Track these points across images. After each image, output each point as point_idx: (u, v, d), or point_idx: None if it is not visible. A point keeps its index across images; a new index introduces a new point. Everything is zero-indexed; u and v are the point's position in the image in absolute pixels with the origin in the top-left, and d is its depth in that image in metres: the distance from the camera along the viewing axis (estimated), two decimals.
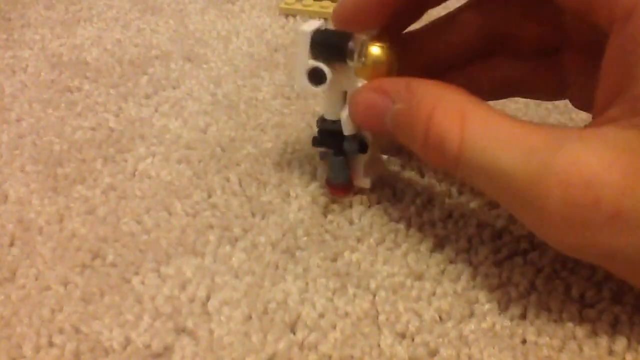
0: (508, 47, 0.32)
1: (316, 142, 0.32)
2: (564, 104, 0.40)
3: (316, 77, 0.29)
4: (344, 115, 0.30)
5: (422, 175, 0.34)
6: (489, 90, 0.33)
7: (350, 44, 0.28)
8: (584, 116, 0.38)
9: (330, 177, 0.32)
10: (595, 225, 0.22)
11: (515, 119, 0.24)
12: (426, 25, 0.33)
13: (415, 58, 0.32)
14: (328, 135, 0.31)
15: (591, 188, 0.21)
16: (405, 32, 0.33)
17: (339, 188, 0.32)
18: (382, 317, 0.27)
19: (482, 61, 0.33)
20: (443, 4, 0.32)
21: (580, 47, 0.29)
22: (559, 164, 0.22)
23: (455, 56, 0.33)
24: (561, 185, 0.22)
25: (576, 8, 0.26)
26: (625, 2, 0.23)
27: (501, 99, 0.35)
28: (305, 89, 0.30)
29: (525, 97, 0.35)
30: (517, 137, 0.23)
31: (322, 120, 0.32)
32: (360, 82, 0.29)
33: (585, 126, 0.25)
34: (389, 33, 0.30)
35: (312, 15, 0.51)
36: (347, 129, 0.30)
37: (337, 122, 0.31)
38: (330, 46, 0.29)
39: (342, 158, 0.32)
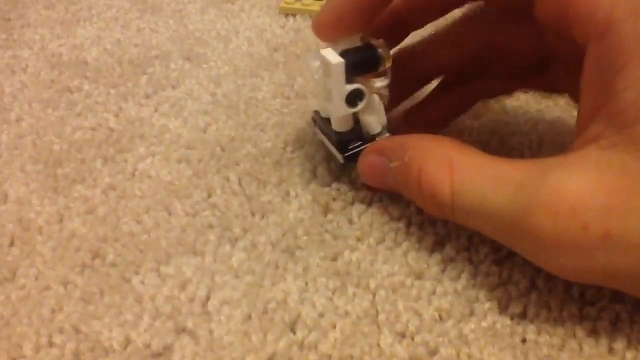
0: (497, 61, 0.33)
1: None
2: (565, 100, 0.40)
3: (356, 98, 0.30)
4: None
5: None
6: (478, 99, 0.34)
7: (380, 52, 0.29)
8: None
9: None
10: (588, 249, 0.22)
11: (499, 159, 0.25)
12: (416, 42, 0.34)
13: (406, 74, 0.33)
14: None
15: (578, 214, 0.22)
16: (396, 49, 0.34)
17: None
18: (382, 317, 0.27)
19: (472, 76, 0.34)
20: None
21: (568, 60, 0.29)
22: (545, 194, 0.23)
23: (444, 72, 0.34)
24: (549, 215, 0.23)
25: (554, 26, 0.26)
26: (598, 20, 0.23)
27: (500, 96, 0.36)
28: (344, 113, 0.31)
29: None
30: (503, 176, 0.24)
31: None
32: (381, 82, 0.30)
33: (570, 147, 0.25)
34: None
35: (311, 14, 0.51)
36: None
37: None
38: (364, 62, 0.30)
39: None
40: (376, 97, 0.31)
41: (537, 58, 0.31)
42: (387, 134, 0.32)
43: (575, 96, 0.32)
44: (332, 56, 0.29)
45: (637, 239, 0.22)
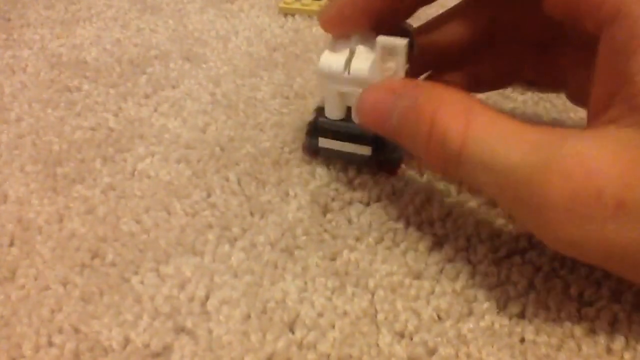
0: (507, 38, 0.32)
1: None
2: (562, 102, 0.40)
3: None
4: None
5: (422, 174, 0.34)
6: (489, 78, 0.34)
7: (411, 39, 0.30)
8: (582, 114, 0.38)
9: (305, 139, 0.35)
10: (598, 218, 0.22)
11: (519, 119, 0.25)
12: (428, 22, 0.34)
13: (419, 52, 0.33)
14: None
15: (593, 180, 0.22)
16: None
17: (308, 151, 0.35)
18: (380, 316, 0.27)
19: (483, 51, 0.33)
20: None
21: (576, 44, 0.29)
22: (561, 155, 0.22)
23: (457, 49, 0.33)
24: (563, 177, 0.22)
25: (564, 15, 0.26)
26: (608, 6, 0.23)
27: (500, 88, 0.36)
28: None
29: (523, 87, 0.36)
30: (520, 134, 0.24)
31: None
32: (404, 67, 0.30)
33: (584, 128, 0.25)
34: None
35: (310, 14, 0.51)
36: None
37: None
38: (411, 45, 0.30)
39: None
40: None
41: (546, 36, 0.31)
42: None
43: (573, 94, 0.32)
44: (386, 40, 0.29)
45: None
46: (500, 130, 0.24)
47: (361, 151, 0.33)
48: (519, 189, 0.23)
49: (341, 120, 0.33)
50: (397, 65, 0.30)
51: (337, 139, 0.33)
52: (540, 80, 0.34)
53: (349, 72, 0.30)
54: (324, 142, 0.34)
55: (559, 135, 0.23)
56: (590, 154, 0.22)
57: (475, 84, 0.34)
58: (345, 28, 0.31)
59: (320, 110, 0.33)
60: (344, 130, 0.33)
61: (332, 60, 0.31)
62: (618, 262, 0.23)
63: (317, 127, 0.33)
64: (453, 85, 0.27)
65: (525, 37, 0.32)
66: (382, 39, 0.29)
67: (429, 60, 0.34)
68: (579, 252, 0.24)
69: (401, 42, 0.29)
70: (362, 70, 0.30)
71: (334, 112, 0.33)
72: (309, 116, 0.37)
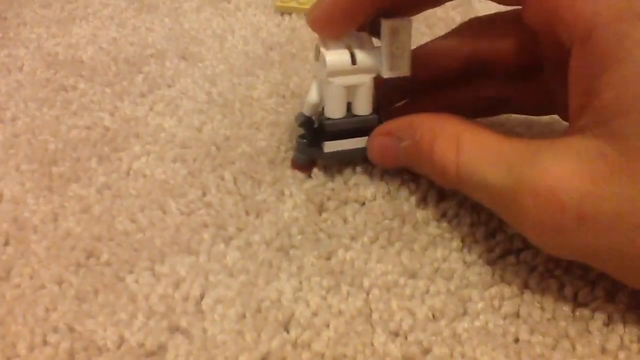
0: (490, 69, 0.33)
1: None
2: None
3: None
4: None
5: (417, 176, 0.34)
6: (473, 110, 0.35)
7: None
8: None
9: (295, 156, 0.35)
10: (565, 229, 0.24)
11: (500, 136, 0.27)
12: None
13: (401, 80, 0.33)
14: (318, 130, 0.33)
15: (556, 195, 0.24)
16: None
17: (299, 166, 0.35)
18: (375, 316, 0.27)
19: (465, 83, 0.35)
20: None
21: (558, 65, 0.30)
22: (530, 176, 0.25)
23: (438, 79, 0.35)
24: (532, 195, 0.24)
25: (541, 27, 0.28)
26: (582, 25, 0.25)
27: (487, 116, 0.37)
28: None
29: (514, 113, 0.37)
30: (500, 156, 0.26)
31: (320, 114, 0.33)
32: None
33: (561, 134, 0.27)
34: None
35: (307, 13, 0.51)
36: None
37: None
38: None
39: (305, 141, 0.34)
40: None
41: (530, 62, 0.32)
42: (376, 116, 0.33)
43: (563, 113, 0.33)
44: (399, 19, 0.30)
45: (609, 223, 0.23)
46: (485, 154, 0.27)
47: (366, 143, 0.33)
48: (504, 206, 0.26)
49: (344, 117, 0.32)
50: (404, 44, 0.30)
51: (347, 137, 0.33)
52: (529, 106, 0.35)
53: (355, 63, 0.31)
54: (330, 146, 0.33)
55: (531, 151, 0.25)
56: (553, 172, 0.24)
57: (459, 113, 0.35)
58: (333, 29, 0.31)
59: (308, 120, 0.33)
60: (352, 126, 0.33)
61: (337, 56, 0.31)
62: (597, 261, 0.26)
63: (323, 132, 0.33)
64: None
65: (507, 66, 0.33)
66: (387, 21, 0.30)
67: (407, 88, 0.35)
68: (563, 254, 0.27)
69: (407, 21, 0.30)
70: (369, 58, 0.31)
71: (338, 111, 0.32)
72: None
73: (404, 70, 0.31)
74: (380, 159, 0.33)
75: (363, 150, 0.33)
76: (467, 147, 0.28)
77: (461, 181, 0.28)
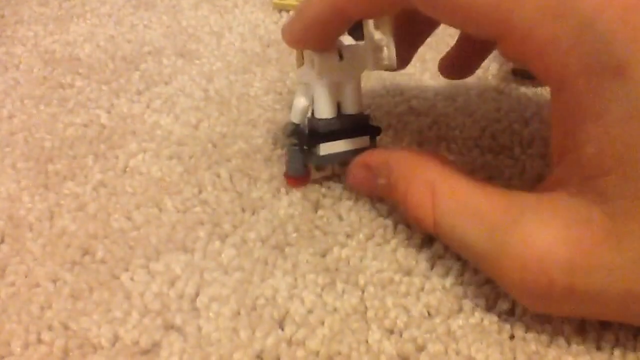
0: None
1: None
2: None
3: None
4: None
5: None
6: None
7: None
8: None
9: (288, 168, 0.34)
10: (552, 300, 0.24)
11: (479, 189, 0.26)
12: None
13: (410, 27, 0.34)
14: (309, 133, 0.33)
15: (544, 268, 0.23)
16: None
17: (294, 179, 0.34)
18: (370, 313, 0.27)
19: None
20: None
21: None
22: (515, 243, 0.24)
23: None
24: (517, 265, 0.24)
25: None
26: (554, 77, 0.24)
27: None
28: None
29: (518, 82, 0.38)
30: (480, 214, 0.25)
31: (311, 117, 0.33)
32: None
33: (545, 181, 0.26)
34: None
35: None
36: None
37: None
38: None
39: (297, 149, 0.33)
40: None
41: None
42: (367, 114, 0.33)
43: None
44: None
45: (598, 293, 0.23)
46: (463, 212, 0.26)
47: (361, 144, 0.33)
48: (486, 267, 0.26)
49: (335, 117, 0.32)
50: (387, 36, 0.30)
51: (340, 137, 0.32)
52: None
53: (342, 59, 0.31)
54: (325, 149, 0.32)
55: (515, 212, 0.24)
56: (540, 239, 0.23)
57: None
58: (308, 46, 0.31)
59: (298, 128, 0.33)
60: (345, 125, 0.32)
61: (325, 54, 0.31)
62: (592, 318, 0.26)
63: (317, 133, 0.32)
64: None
65: None
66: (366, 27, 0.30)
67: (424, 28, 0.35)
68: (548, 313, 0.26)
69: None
70: (356, 53, 0.31)
71: (330, 110, 0.32)
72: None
73: (391, 62, 0.31)
74: (359, 190, 0.32)
75: (356, 152, 0.32)
76: (443, 201, 0.27)
77: (439, 234, 0.27)
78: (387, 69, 0.31)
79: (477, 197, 0.26)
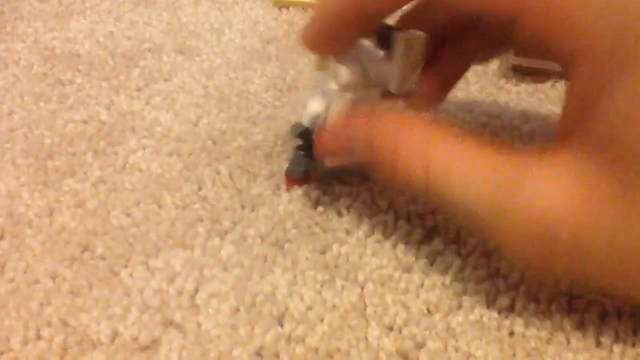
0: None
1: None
2: (558, 93, 0.40)
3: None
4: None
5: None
6: (472, 60, 0.34)
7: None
8: None
9: (289, 168, 0.33)
10: (555, 259, 0.24)
11: (477, 149, 0.25)
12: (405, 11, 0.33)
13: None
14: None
15: (550, 226, 0.23)
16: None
17: (294, 181, 0.33)
18: (369, 310, 0.27)
19: (460, 37, 0.33)
20: None
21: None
22: (519, 201, 0.23)
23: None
24: (522, 225, 0.23)
25: (536, 46, 0.26)
26: (579, 45, 0.23)
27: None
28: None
29: (517, 78, 0.37)
30: (479, 173, 0.24)
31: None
32: None
33: (551, 147, 0.25)
34: None
35: (305, 7, 0.51)
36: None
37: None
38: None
39: (302, 153, 0.32)
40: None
41: None
42: None
43: None
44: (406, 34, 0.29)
45: (603, 255, 0.23)
46: (460, 169, 0.25)
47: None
48: (484, 228, 0.25)
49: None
50: (417, 58, 0.29)
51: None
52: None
53: (367, 77, 0.30)
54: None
55: (518, 170, 0.24)
56: (546, 197, 0.23)
57: (467, 59, 0.34)
58: (329, 48, 0.30)
59: (307, 132, 0.32)
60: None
61: (350, 70, 0.30)
62: (588, 284, 0.26)
63: None
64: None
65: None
66: (402, 34, 0.29)
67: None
68: (541, 270, 0.26)
69: (421, 35, 0.29)
70: (380, 72, 0.30)
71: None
72: (301, 109, 0.36)
73: (412, 84, 0.30)
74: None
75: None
76: (438, 157, 0.25)
77: (430, 193, 0.25)
78: (409, 96, 0.31)
79: (475, 156, 0.25)
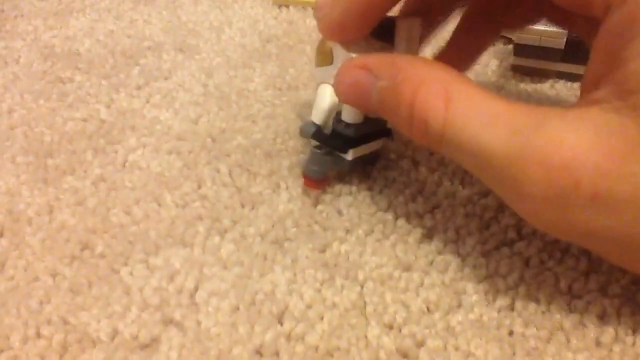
0: None
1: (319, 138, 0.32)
2: (555, 93, 0.40)
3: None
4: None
5: (416, 165, 0.34)
6: (499, 31, 0.34)
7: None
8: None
9: (308, 169, 0.32)
10: (574, 206, 0.22)
11: (499, 97, 0.24)
12: None
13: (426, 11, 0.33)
14: (337, 137, 0.31)
15: (571, 170, 0.22)
16: None
17: (314, 181, 0.32)
18: (369, 308, 0.27)
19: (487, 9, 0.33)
20: None
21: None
22: (539, 144, 0.22)
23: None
24: (541, 166, 0.22)
25: (571, 4, 0.26)
26: None
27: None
28: None
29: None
30: (499, 117, 0.23)
31: (337, 121, 0.31)
32: None
33: (571, 106, 0.25)
34: None
35: (304, 5, 0.51)
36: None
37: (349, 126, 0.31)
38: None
39: (321, 152, 0.32)
40: None
41: None
42: None
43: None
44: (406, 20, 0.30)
45: (622, 204, 0.21)
46: (480, 113, 0.24)
47: (378, 146, 0.33)
48: (498, 173, 0.24)
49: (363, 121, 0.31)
50: (416, 42, 0.30)
51: (368, 141, 0.32)
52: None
53: None
54: (355, 152, 0.31)
55: (539, 117, 0.23)
56: (568, 142, 0.22)
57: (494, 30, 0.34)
58: (346, 35, 0.29)
59: (319, 130, 0.31)
60: (372, 129, 0.31)
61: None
62: (594, 242, 0.24)
63: (351, 139, 0.31)
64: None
65: None
66: (403, 21, 0.30)
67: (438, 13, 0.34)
68: (556, 232, 0.24)
69: (417, 19, 0.30)
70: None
71: (359, 115, 0.30)
72: (301, 107, 0.36)
73: None
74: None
75: (373, 153, 0.33)
76: (459, 100, 0.24)
77: (446, 139, 0.25)
78: None
79: (496, 103, 0.24)
